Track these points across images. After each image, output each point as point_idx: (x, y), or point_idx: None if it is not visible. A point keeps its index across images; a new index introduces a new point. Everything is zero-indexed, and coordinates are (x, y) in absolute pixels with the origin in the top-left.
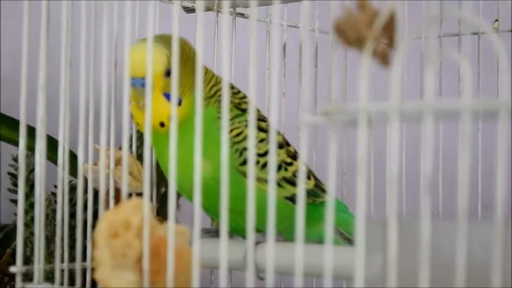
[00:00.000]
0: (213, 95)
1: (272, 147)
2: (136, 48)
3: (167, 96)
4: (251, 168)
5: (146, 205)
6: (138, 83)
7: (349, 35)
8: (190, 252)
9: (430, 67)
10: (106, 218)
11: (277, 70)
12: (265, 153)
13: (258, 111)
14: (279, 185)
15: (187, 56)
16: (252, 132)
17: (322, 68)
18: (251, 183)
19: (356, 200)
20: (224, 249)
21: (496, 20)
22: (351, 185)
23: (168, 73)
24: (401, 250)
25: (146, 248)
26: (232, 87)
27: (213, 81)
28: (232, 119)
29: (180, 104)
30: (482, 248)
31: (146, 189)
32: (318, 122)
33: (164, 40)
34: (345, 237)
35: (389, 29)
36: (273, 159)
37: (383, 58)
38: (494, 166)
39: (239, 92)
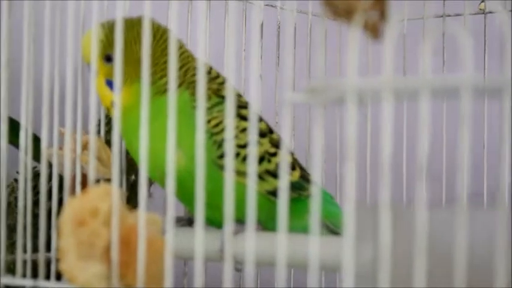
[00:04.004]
0: (183, 78)
1: (252, 137)
2: (85, 34)
3: (109, 83)
4: (229, 161)
5: (115, 191)
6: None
7: (338, 5)
8: (162, 241)
9: (428, 45)
10: (72, 204)
11: (256, 51)
12: (246, 145)
13: (240, 96)
14: (261, 178)
15: (138, 37)
16: (230, 122)
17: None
18: (229, 177)
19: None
20: (200, 240)
21: (483, 1)
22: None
23: (107, 58)
24: (393, 239)
25: (115, 237)
26: (209, 70)
27: (185, 62)
28: (210, 107)
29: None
30: (484, 237)
31: (115, 175)
32: (303, 100)
33: (109, 24)
34: (331, 230)
35: (381, 1)
36: (253, 153)
37: (374, 31)
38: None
39: (218, 76)
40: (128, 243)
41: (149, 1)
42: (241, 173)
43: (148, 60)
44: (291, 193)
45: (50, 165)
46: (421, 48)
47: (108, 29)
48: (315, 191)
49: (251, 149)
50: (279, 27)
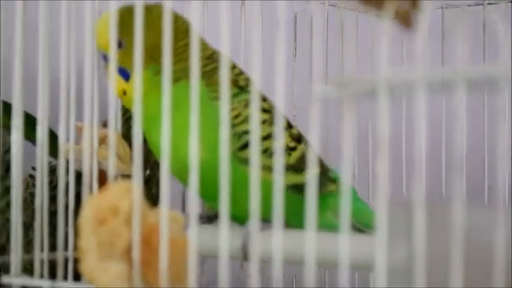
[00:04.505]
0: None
1: (278, 136)
2: (98, 20)
3: (120, 71)
4: (254, 155)
5: (136, 188)
6: (101, 57)
7: None
8: (184, 240)
9: (464, 34)
10: (91, 203)
11: (283, 45)
12: (266, 137)
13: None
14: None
15: (150, 23)
16: (255, 114)
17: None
18: (254, 171)
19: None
20: (225, 237)
21: None
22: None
23: (118, 44)
24: (428, 237)
25: (136, 236)
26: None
27: (202, 53)
28: (229, 98)
29: (128, 79)
30: None
31: (136, 171)
32: (333, 93)
33: (120, 9)
34: (357, 228)
35: None
36: (279, 149)
37: (405, 20)
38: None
39: (234, 66)
40: (149, 242)
41: None
42: (262, 167)
43: (169, 48)
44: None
45: (66, 161)
46: (458, 39)
47: (119, 15)
48: (345, 189)
49: (277, 144)
50: (295, 18)
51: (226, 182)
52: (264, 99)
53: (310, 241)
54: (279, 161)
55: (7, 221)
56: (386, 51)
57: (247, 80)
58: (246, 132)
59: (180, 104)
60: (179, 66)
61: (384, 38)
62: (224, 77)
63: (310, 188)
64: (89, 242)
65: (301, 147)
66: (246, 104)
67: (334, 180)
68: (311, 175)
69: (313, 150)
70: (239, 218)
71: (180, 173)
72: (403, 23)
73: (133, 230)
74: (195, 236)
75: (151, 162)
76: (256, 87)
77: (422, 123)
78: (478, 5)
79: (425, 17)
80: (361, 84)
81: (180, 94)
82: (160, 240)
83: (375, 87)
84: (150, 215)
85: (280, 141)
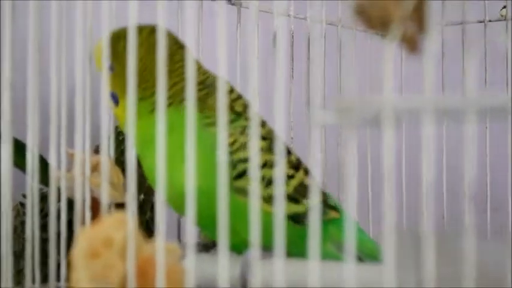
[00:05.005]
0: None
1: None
2: (96, 44)
3: (111, 94)
4: (254, 186)
5: (130, 219)
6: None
7: (372, 14)
8: (181, 272)
9: (471, 54)
10: (84, 234)
11: (282, 66)
12: (263, 165)
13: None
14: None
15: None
16: (254, 143)
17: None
18: (254, 201)
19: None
20: (224, 267)
21: (504, 7)
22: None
23: (111, 68)
24: (438, 268)
25: (131, 269)
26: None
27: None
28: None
29: (117, 103)
30: None
31: (130, 200)
32: (334, 119)
33: (111, 33)
34: (357, 257)
35: (419, 10)
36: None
37: (411, 44)
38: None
39: (232, 90)
40: (144, 274)
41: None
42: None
43: (164, 74)
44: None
45: (58, 189)
46: (462, 60)
47: (111, 38)
48: (349, 217)
49: (277, 175)
50: (292, 37)
51: (225, 212)
52: (263, 124)
53: (313, 270)
54: (279, 190)
55: None
56: (391, 75)
57: (245, 105)
58: (242, 161)
59: (170, 130)
60: (171, 92)
61: (388, 62)
62: (221, 102)
63: (313, 219)
64: (82, 275)
65: (299, 175)
66: (243, 131)
67: (333, 207)
68: (313, 205)
69: (313, 178)
70: (234, 247)
71: (173, 201)
72: (409, 47)
73: (128, 262)
74: (192, 266)
75: (145, 187)
76: (255, 114)
77: (430, 152)
78: (479, 22)
79: (433, 40)
80: (364, 110)
81: (170, 119)
82: (156, 272)
83: (379, 114)
84: (145, 247)
85: (280, 172)
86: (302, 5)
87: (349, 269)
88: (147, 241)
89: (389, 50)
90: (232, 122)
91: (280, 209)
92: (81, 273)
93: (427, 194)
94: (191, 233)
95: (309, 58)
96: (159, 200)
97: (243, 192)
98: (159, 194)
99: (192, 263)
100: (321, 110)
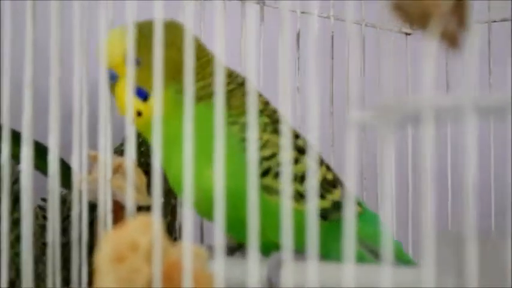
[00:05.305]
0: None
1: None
2: (108, 36)
3: (138, 91)
4: (286, 185)
5: (156, 223)
6: (108, 76)
7: (411, 10)
8: (208, 277)
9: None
10: (109, 239)
11: (312, 64)
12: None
13: (275, 112)
14: (302, 198)
15: (170, 40)
16: (287, 145)
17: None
18: (285, 201)
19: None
20: (254, 271)
21: None
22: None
23: (137, 62)
24: (480, 273)
25: (157, 274)
26: (242, 82)
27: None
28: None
29: (146, 98)
30: None
31: (156, 203)
32: (372, 119)
33: (136, 25)
34: (374, 253)
35: (460, 6)
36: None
37: (452, 41)
38: None
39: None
40: (170, 279)
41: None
42: (273, 191)
43: (191, 67)
44: (333, 214)
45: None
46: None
47: (137, 31)
48: (384, 224)
49: (310, 178)
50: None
51: (255, 213)
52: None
53: (349, 273)
54: (312, 188)
55: (16, 255)
56: (432, 72)
57: (265, 102)
58: (266, 158)
59: (199, 127)
60: (201, 84)
61: (428, 60)
62: (252, 102)
63: (348, 227)
64: (107, 279)
65: (322, 170)
66: (265, 128)
67: (357, 203)
68: (349, 216)
69: (330, 171)
70: (261, 248)
71: (198, 203)
72: (450, 43)
73: (154, 266)
74: (221, 270)
75: (165, 190)
76: (284, 117)
77: (473, 152)
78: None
79: (475, 37)
80: (403, 111)
81: (200, 116)
82: (182, 276)
83: (419, 114)
84: (171, 251)
85: (311, 169)
86: (325, 4)
87: (386, 271)
88: (173, 245)
89: (431, 45)
90: None
91: (313, 207)
92: (107, 278)
93: (468, 195)
94: (220, 235)
95: (332, 58)
96: (186, 201)
97: (269, 190)
98: (186, 195)
99: (221, 267)
100: (358, 109)
